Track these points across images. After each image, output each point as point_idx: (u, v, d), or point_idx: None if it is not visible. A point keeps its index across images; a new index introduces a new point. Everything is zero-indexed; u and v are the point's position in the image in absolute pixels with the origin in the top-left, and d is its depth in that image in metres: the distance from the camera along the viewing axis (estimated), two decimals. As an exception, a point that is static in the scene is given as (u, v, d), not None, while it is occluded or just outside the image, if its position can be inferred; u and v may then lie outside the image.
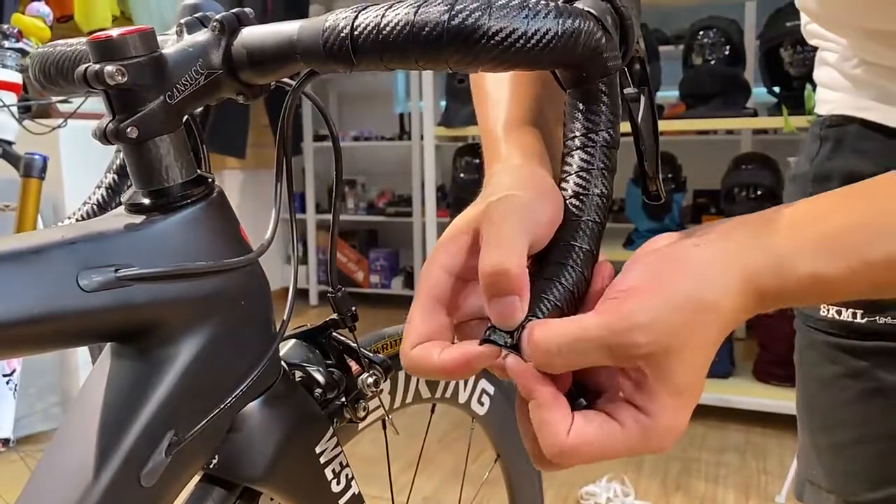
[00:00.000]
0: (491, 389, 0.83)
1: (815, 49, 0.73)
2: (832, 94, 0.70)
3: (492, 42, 0.36)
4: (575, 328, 0.37)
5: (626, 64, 0.42)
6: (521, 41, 0.36)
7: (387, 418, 0.69)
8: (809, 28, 0.70)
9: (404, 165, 4.45)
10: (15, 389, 1.68)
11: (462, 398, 0.80)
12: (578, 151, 0.42)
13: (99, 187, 0.66)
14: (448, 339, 0.41)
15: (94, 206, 0.66)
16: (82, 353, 2.44)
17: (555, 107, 0.48)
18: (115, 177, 0.66)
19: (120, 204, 0.62)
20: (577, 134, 0.42)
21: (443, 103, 3.23)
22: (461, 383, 0.79)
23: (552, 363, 0.37)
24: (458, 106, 2.99)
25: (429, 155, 2.95)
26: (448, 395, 0.78)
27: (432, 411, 0.83)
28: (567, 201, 0.42)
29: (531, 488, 0.93)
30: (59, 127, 1.59)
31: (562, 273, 0.40)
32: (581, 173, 0.42)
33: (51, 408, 2.42)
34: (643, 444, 0.38)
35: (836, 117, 0.69)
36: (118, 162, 0.66)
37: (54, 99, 1.53)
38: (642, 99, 0.45)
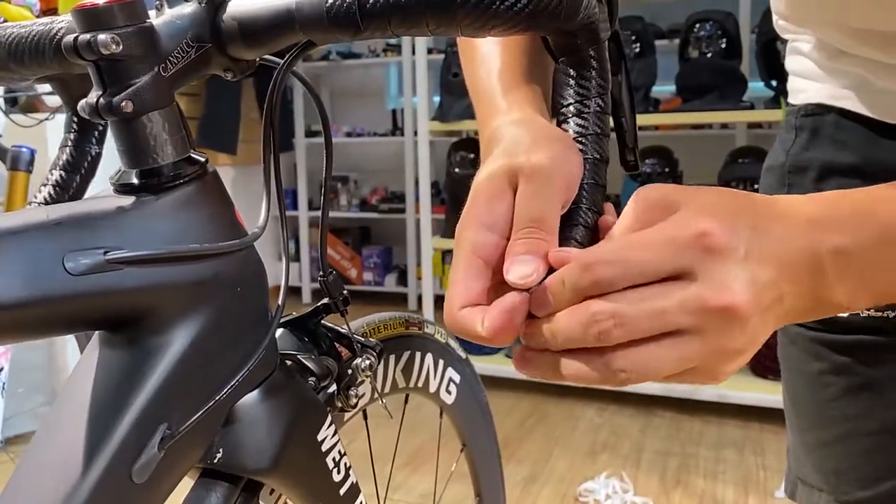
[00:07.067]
0: (457, 378, 0.83)
1: None
2: (807, 83, 0.67)
3: (504, 5, 0.37)
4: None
5: (611, 34, 0.43)
6: (532, 4, 0.37)
7: (381, 402, 0.69)
8: (781, 23, 0.68)
9: (397, 162, 4.42)
10: (3, 388, 1.65)
11: (432, 387, 0.80)
12: (574, 118, 0.43)
13: (45, 185, 0.61)
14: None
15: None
16: (72, 351, 2.41)
17: (539, 63, 0.50)
18: (63, 173, 0.61)
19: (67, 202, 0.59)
20: (571, 101, 0.43)
21: (437, 98, 3.20)
22: (432, 372, 0.79)
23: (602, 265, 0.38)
24: (453, 100, 2.96)
25: (423, 150, 2.93)
26: (420, 384, 0.78)
27: (406, 402, 0.83)
28: None
29: (494, 477, 0.94)
30: (46, 119, 1.57)
31: (574, 232, 0.42)
32: (579, 139, 0.43)
33: (39, 407, 2.39)
34: (711, 291, 0.35)
35: (811, 106, 0.66)
36: (64, 157, 0.62)
37: (40, 91, 1.50)
38: (619, 76, 0.46)
